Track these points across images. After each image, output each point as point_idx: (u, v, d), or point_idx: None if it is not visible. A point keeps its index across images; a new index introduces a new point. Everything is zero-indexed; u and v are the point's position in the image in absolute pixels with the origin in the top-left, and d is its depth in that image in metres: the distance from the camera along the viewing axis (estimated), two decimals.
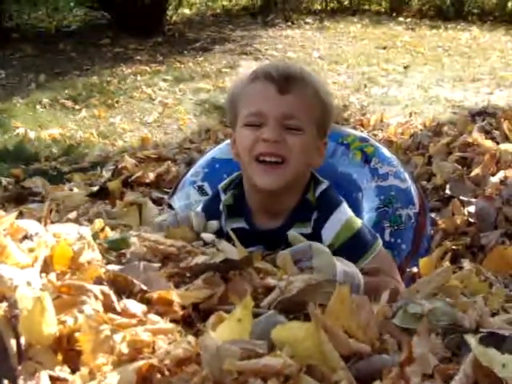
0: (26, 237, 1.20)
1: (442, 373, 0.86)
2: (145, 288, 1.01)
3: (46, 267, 1.05)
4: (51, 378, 0.86)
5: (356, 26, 8.70)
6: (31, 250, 1.13)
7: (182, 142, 3.33)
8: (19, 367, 0.86)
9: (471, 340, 0.86)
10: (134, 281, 1.00)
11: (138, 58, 6.89)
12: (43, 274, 1.02)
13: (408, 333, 1.01)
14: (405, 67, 6.76)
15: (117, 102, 5.27)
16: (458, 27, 8.89)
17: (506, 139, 2.51)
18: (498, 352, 0.87)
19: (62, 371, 0.87)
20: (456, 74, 6.56)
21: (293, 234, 1.50)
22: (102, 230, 1.25)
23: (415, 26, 8.88)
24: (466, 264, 1.79)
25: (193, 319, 1.03)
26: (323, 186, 1.62)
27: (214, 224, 1.42)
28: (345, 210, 1.62)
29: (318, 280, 1.09)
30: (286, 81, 1.52)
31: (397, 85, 6.14)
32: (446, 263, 1.89)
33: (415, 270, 1.86)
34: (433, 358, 0.94)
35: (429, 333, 1.00)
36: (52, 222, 1.58)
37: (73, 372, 0.87)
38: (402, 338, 0.99)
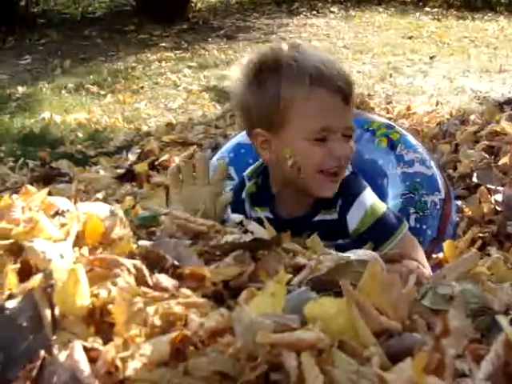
0: (57, 213, 1.22)
1: (472, 352, 0.85)
2: (177, 263, 1.01)
3: (78, 242, 1.07)
4: (84, 348, 0.87)
5: (381, 16, 8.63)
6: (63, 225, 1.15)
7: (207, 127, 3.33)
8: (54, 337, 0.87)
9: (503, 320, 0.85)
10: (166, 256, 1.01)
11: (163, 44, 6.91)
12: (76, 248, 1.04)
13: (437, 314, 1.01)
14: (431, 57, 6.70)
15: (142, 87, 5.30)
16: (485, 18, 8.77)
17: None
18: None
19: (95, 342, 0.88)
20: (482, 65, 6.48)
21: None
22: (133, 207, 1.26)
23: (442, 17, 8.78)
24: (493, 251, 1.78)
25: (224, 296, 1.04)
26: (347, 173, 1.62)
27: (238, 217, 1.42)
28: (369, 195, 1.62)
29: (348, 259, 1.10)
30: (350, 90, 1.49)
31: (422, 75, 6.08)
32: (473, 250, 1.87)
33: (441, 255, 1.86)
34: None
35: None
36: (81, 201, 1.60)
37: (105, 344, 0.89)
38: (431, 319, 1.00)
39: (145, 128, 4.01)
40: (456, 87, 5.62)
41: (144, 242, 1.08)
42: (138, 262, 0.98)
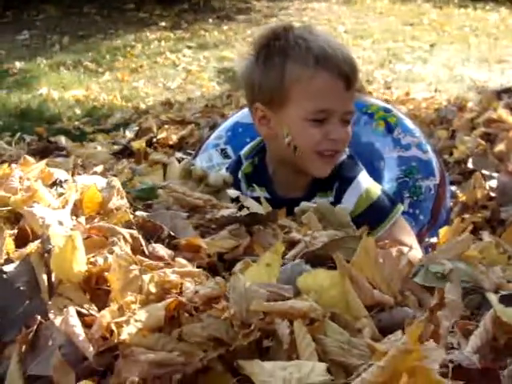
0: (55, 183, 1.23)
1: (462, 327, 0.87)
2: (173, 234, 1.03)
3: (76, 211, 1.08)
4: (79, 314, 0.89)
5: (383, 2, 8.59)
6: (61, 195, 1.15)
7: (205, 106, 3.33)
8: (50, 302, 0.88)
9: (492, 297, 0.87)
10: (163, 226, 1.02)
11: (163, 24, 6.87)
12: (73, 217, 1.04)
13: (429, 291, 1.03)
14: (431, 45, 6.68)
15: (140, 66, 5.27)
16: (487, 7, 8.74)
17: None
18: None
19: (91, 308, 0.89)
20: (482, 54, 6.47)
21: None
22: (131, 179, 1.26)
23: (443, 5, 8.74)
24: (486, 236, 1.79)
25: (218, 268, 1.06)
26: (343, 156, 1.63)
27: (234, 193, 1.43)
28: (364, 178, 1.62)
29: (341, 236, 1.11)
30: (353, 76, 1.49)
31: (422, 62, 6.07)
32: (467, 231, 1.89)
33: (434, 240, 1.87)
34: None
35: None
36: (79, 174, 1.61)
37: (100, 310, 0.90)
38: (423, 295, 1.01)
39: (143, 106, 4.00)
40: (455, 75, 5.61)
41: (141, 213, 1.09)
42: (134, 232, 1.00)
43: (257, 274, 0.86)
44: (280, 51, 1.50)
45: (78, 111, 3.78)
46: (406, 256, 1.28)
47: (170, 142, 2.52)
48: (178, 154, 2.30)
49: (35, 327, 0.84)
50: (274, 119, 1.55)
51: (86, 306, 0.90)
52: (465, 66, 6.08)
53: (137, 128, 2.73)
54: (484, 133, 2.39)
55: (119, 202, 1.11)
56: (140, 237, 0.99)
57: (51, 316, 0.86)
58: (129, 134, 2.71)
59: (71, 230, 0.95)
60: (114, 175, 1.84)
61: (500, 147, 2.24)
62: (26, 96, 4.16)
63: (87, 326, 0.86)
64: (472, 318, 0.97)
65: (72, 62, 5.21)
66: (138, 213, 1.09)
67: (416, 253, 1.54)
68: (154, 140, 2.45)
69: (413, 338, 0.62)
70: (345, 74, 1.47)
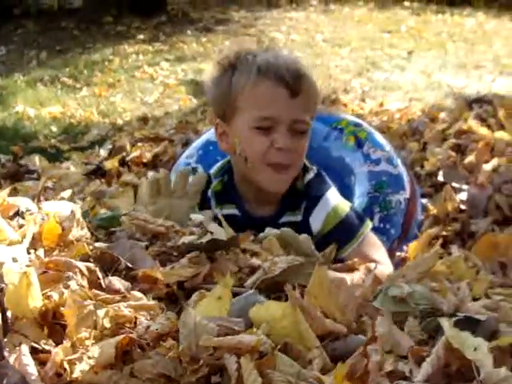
0: (17, 213, 1.23)
1: (415, 354, 0.88)
2: (130, 265, 1.03)
3: (35, 243, 1.08)
4: (36, 350, 0.89)
5: (361, 10, 8.65)
6: (21, 227, 1.15)
7: (179, 122, 3.34)
8: (5, 339, 0.88)
9: (445, 323, 0.88)
10: (120, 258, 1.03)
11: (141, 36, 6.87)
12: (32, 250, 1.05)
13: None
14: (408, 52, 6.73)
15: (118, 80, 5.27)
16: (464, 13, 8.83)
17: (502, 127, 2.52)
18: (472, 336, 0.89)
19: (47, 344, 0.89)
20: (459, 60, 6.53)
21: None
22: (93, 207, 1.26)
23: (421, 11, 8.82)
24: (455, 250, 1.81)
25: (177, 297, 1.06)
26: (311, 175, 1.64)
27: (198, 217, 1.44)
28: (332, 196, 1.64)
29: (300, 261, 1.12)
30: (297, 83, 1.50)
31: (399, 70, 6.11)
32: (436, 248, 1.91)
33: (403, 254, 1.89)
34: (409, 339, 0.97)
35: (407, 316, 1.03)
36: (46, 200, 1.61)
37: (57, 345, 0.90)
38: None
39: (120, 122, 4.00)
40: (432, 82, 5.66)
41: (100, 244, 1.09)
42: (91, 265, 1.00)
43: (209, 307, 0.87)
44: (229, 66, 1.56)
45: (54, 129, 3.77)
46: (370, 277, 1.30)
47: (144, 160, 2.53)
48: (151, 174, 2.30)
49: None
50: (229, 132, 1.59)
51: (42, 341, 0.90)
52: (442, 72, 6.13)
53: (111, 146, 2.73)
54: (455, 144, 2.42)
55: (79, 232, 1.11)
56: (97, 269, 0.99)
57: (6, 354, 0.86)
58: (103, 153, 2.70)
59: (27, 265, 0.95)
60: (84, 198, 1.84)
61: (470, 158, 2.26)
62: (2, 114, 4.14)
63: (42, 362, 0.87)
64: (429, 342, 0.99)
65: (49, 78, 5.20)
66: (97, 244, 1.09)
67: (385, 268, 1.56)
68: (128, 159, 2.45)
69: (339, 378, 0.63)
70: (286, 81, 1.49)
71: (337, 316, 0.93)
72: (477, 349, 0.85)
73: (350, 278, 1.42)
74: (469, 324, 0.97)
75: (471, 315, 1.00)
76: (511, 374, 0.79)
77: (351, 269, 1.53)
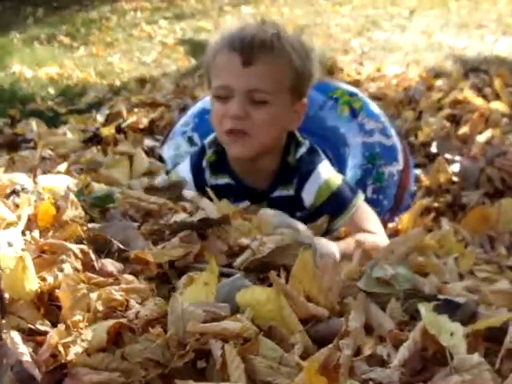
0: (13, 191, 1.25)
1: (393, 338, 0.92)
2: (122, 247, 1.06)
3: (30, 224, 1.11)
4: (32, 331, 0.93)
5: None
6: (17, 206, 1.18)
7: (176, 86, 3.33)
8: (3, 321, 0.92)
9: (422, 308, 0.92)
10: (113, 240, 1.06)
11: None
12: (27, 232, 1.08)
13: (371, 296, 1.08)
14: (410, 12, 6.63)
15: (116, 39, 5.22)
16: None
17: (497, 97, 2.52)
18: (449, 320, 0.93)
19: (44, 325, 0.94)
20: (462, 19, 6.43)
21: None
22: (88, 186, 1.29)
23: None
24: (445, 223, 1.85)
25: (168, 276, 1.10)
26: (303, 149, 1.66)
27: (189, 194, 1.47)
28: (324, 169, 1.66)
29: (288, 242, 1.15)
30: (250, 52, 1.50)
31: (400, 30, 6.03)
32: (428, 219, 1.94)
33: (394, 225, 1.92)
34: (390, 321, 1.01)
35: (390, 297, 1.06)
36: (43, 172, 1.63)
37: (53, 326, 0.94)
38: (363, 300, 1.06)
39: (118, 83, 3.98)
40: (433, 43, 5.59)
41: (93, 225, 1.13)
42: (85, 247, 1.03)
43: (196, 293, 0.91)
44: (213, 41, 1.61)
45: (51, 91, 3.75)
46: (358, 252, 1.34)
47: (141, 126, 2.53)
48: (147, 141, 2.32)
49: None
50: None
51: (39, 322, 0.94)
52: (443, 32, 6.05)
53: (107, 112, 2.74)
54: (449, 114, 2.42)
55: (73, 212, 1.14)
56: (90, 252, 1.03)
57: (4, 336, 0.90)
58: (99, 118, 2.71)
59: (22, 249, 0.98)
60: (81, 169, 1.86)
61: (464, 129, 2.27)
62: None
63: (38, 343, 0.91)
64: (410, 324, 1.03)
65: (46, 36, 5.14)
66: (90, 225, 1.13)
67: (379, 239, 1.60)
68: (124, 125, 2.46)
69: (309, 374, 0.66)
70: (238, 48, 1.51)
71: (320, 299, 0.97)
72: (453, 334, 0.89)
73: (342, 247, 1.47)
74: (448, 307, 1.01)
75: (451, 298, 1.04)
76: (483, 361, 0.83)
77: (338, 239, 1.58)
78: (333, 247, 1.34)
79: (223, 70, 1.55)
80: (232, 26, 1.62)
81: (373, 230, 1.65)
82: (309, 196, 1.64)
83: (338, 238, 1.54)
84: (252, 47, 1.50)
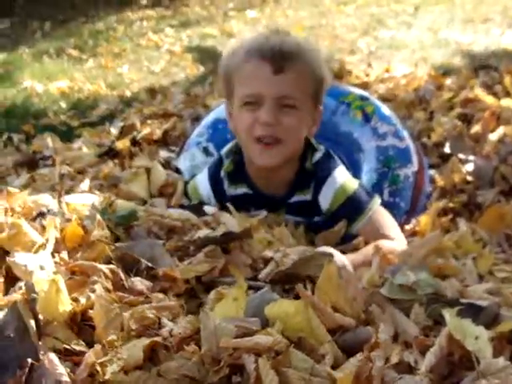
0: (39, 214, 1.28)
1: (419, 344, 0.94)
2: (150, 265, 1.09)
3: (58, 246, 1.14)
4: (68, 351, 0.96)
5: None
6: (44, 227, 1.21)
7: (187, 95, 3.36)
8: (40, 343, 0.95)
9: (447, 314, 0.94)
10: (141, 259, 1.09)
11: (144, 2, 6.82)
12: (56, 254, 1.11)
13: (394, 303, 1.10)
14: (415, 8, 6.63)
15: (124, 50, 5.26)
16: None
17: (508, 95, 2.52)
18: (473, 324, 0.95)
19: (78, 345, 0.97)
20: (467, 14, 6.42)
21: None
22: (111, 204, 1.32)
23: None
24: (462, 224, 1.86)
25: (196, 291, 1.13)
26: (319, 154, 1.69)
27: (210, 209, 1.50)
28: (340, 174, 1.68)
29: (311, 253, 1.17)
30: (280, 60, 1.54)
31: (406, 27, 6.04)
32: (445, 220, 1.95)
33: (412, 226, 1.93)
34: (415, 327, 1.04)
35: (412, 303, 1.09)
36: (65, 192, 1.66)
37: (87, 345, 0.97)
38: (388, 307, 1.08)
39: (128, 94, 4.02)
40: (439, 40, 5.59)
41: (120, 245, 1.15)
42: (114, 267, 1.06)
43: (226, 308, 0.93)
44: (231, 50, 1.64)
45: (63, 104, 3.79)
46: (376, 259, 1.36)
47: (155, 137, 2.56)
48: (162, 153, 2.35)
49: (27, 369, 0.91)
50: (233, 112, 1.65)
51: (73, 342, 0.97)
52: (449, 28, 6.04)
53: (121, 124, 2.77)
54: (461, 113, 2.43)
55: (100, 233, 1.17)
56: (120, 271, 1.06)
57: (41, 358, 0.93)
58: (113, 131, 2.74)
59: (54, 272, 1.01)
60: (101, 186, 1.90)
61: (476, 128, 2.28)
62: (11, 91, 4.17)
63: (75, 364, 0.94)
64: (434, 328, 1.05)
65: (55, 50, 5.20)
66: (117, 244, 1.15)
67: (397, 244, 1.61)
68: (138, 137, 2.49)
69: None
70: (268, 58, 1.54)
71: (346, 309, 0.99)
72: (478, 338, 0.91)
73: (360, 257, 1.49)
74: (471, 311, 1.03)
75: (473, 301, 1.07)
76: (509, 364, 0.85)
77: (358, 248, 1.60)
78: (344, 260, 1.36)
79: (253, 79, 1.56)
80: (251, 36, 1.64)
81: (391, 235, 1.66)
82: (325, 200, 1.67)
83: (357, 248, 1.56)
84: (282, 56, 1.54)
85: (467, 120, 2.40)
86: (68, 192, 1.62)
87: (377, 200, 1.71)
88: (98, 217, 1.19)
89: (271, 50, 1.54)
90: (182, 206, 1.61)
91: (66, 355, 0.94)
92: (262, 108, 1.55)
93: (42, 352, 0.93)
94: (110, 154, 2.36)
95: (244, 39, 1.64)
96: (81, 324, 1.00)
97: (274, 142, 1.56)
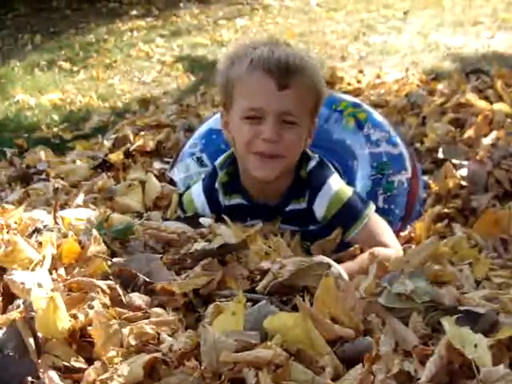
0: (35, 230, 1.28)
1: (419, 353, 0.94)
2: (148, 280, 1.09)
3: (55, 262, 1.13)
4: (68, 368, 0.95)
5: None
6: (40, 244, 1.21)
7: (179, 106, 3.36)
8: (39, 361, 0.95)
9: (445, 323, 0.94)
10: (138, 274, 1.09)
11: (134, 12, 6.83)
12: (53, 270, 1.10)
13: (392, 312, 1.10)
14: (404, 13, 6.66)
15: (115, 61, 5.26)
16: None
17: (500, 99, 2.54)
18: (472, 332, 0.95)
19: (78, 361, 0.96)
20: (456, 17, 6.46)
21: None
22: (107, 219, 1.32)
23: None
24: (458, 229, 1.86)
25: (194, 305, 1.12)
26: (313, 163, 1.69)
27: (206, 221, 1.50)
28: (334, 182, 1.68)
29: (308, 263, 1.17)
30: (286, 75, 1.52)
31: (396, 32, 6.07)
32: (440, 226, 1.95)
33: (407, 233, 1.93)
34: (413, 336, 1.04)
35: (410, 312, 1.09)
36: (60, 206, 1.65)
37: (87, 361, 0.97)
38: (386, 316, 1.08)
39: (120, 105, 4.02)
40: (429, 44, 5.62)
41: (118, 260, 1.15)
42: (112, 283, 1.06)
43: (225, 322, 0.93)
44: (230, 59, 1.62)
45: (55, 117, 3.79)
46: (374, 266, 1.36)
47: (148, 149, 2.56)
48: (156, 164, 2.35)
49: None
50: (230, 122, 1.64)
51: (73, 359, 0.97)
52: (439, 32, 6.07)
53: (114, 136, 2.77)
54: (453, 118, 2.44)
55: (96, 248, 1.16)
56: (117, 287, 1.05)
57: (41, 376, 0.93)
58: (106, 143, 2.74)
59: (51, 290, 1.01)
60: (95, 199, 1.89)
61: (469, 133, 2.29)
62: (3, 104, 4.17)
63: (75, 381, 0.94)
64: (433, 336, 1.05)
65: (46, 63, 5.19)
66: (114, 259, 1.15)
67: (393, 251, 1.61)
68: (131, 149, 2.49)
69: None
70: (274, 73, 1.52)
71: (345, 320, 0.99)
72: (477, 346, 0.92)
73: (356, 266, 1.49)
74: (469, 318, 1.03)
75: (471, 308, 1.07)
76: (509, 371, 0.85)
77: (354, 256, 1.60)
78: (340, 269, 1.36)
79: (256, 93, 1.55)
80: (253, 45, 1.61)
81: (386, 241, 1.67)
82: (320, 208, 1.67)
83: (353, 256, 1.56)
84: (287, 71, 1.53)
85: (460, 125, 2.41)
86: (63, 207, 1.61)
87: (372, 207, 1.71)
88: (94, 232, 1.19)
89: (277, 64, 1.52)
90: (178, 219, 1.61)
91: (65, 372, 0.94)
92: (265, 123, 1.53)
93: (41, 370, 0.92)
94: (104, 166, 2.36)
95: (247, 48, 1.60)
96: (80, 341, 0.99)
97: (274, 156, 1.56)
